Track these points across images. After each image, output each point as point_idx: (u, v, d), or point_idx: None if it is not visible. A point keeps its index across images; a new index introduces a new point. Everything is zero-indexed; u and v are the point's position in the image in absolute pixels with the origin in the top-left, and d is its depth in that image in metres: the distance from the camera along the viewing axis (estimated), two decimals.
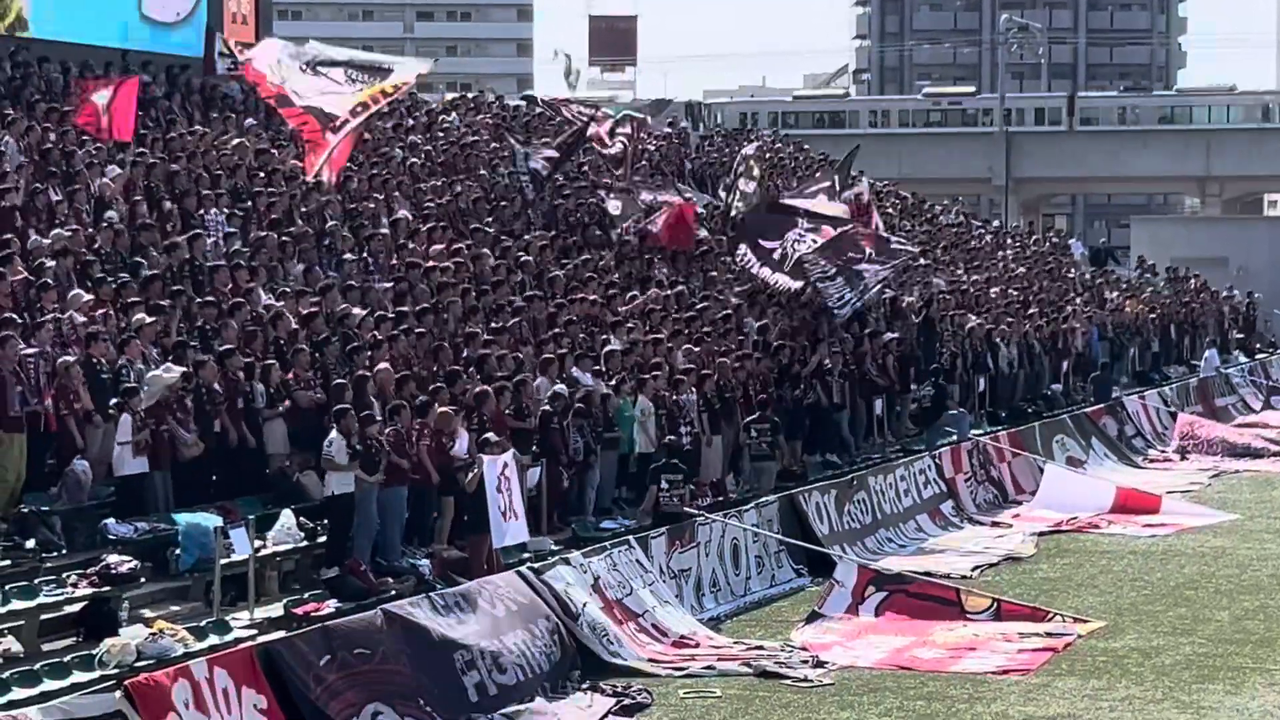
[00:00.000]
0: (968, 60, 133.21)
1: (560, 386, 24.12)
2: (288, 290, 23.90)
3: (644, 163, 39.17)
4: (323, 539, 20.18)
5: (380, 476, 20.10)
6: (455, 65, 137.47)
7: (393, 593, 18.96)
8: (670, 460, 24.08)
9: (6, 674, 15.36)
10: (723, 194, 34.64)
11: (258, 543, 18.75)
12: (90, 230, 23.62)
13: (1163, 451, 38.28)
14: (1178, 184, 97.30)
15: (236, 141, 29.69)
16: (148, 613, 17.92)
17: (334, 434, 19.86)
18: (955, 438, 31.70)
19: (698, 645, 20.23)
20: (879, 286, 31.99)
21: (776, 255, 31.59)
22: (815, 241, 31.52)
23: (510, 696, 17.33)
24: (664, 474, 23.65)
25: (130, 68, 31.99)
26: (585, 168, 37.04)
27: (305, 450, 21.02)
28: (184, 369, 20.29)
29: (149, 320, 21.10)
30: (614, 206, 33.81)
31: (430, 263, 27.17)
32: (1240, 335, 53.86)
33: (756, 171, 35.01)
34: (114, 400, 19.58)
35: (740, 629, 21.39)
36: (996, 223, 60.77)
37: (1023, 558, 26.25)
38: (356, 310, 23.94)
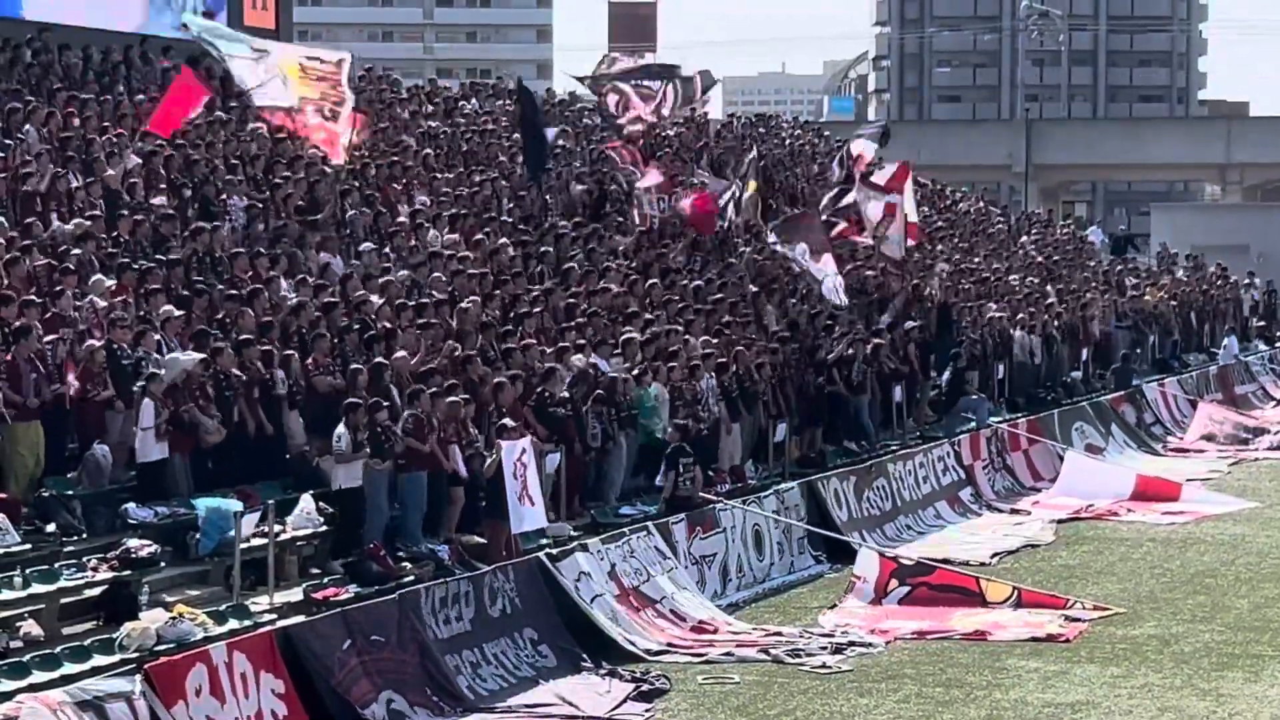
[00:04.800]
0: (988, 46, 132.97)
1: (579, 359, 24.13)
2: (307, 280, 23.90)
3: (666, 150, 39.10)
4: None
5: (390, 464, 20.14)
6: (474, 51, 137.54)
7: (411, 578, 19.00)
8: (681, 444, 24.09)
9: (27, 657, 15.44)
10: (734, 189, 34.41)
11: (277, 527, 18.81)
12: (107, 218, 23.64)
13: (1181, 438, 38.14)
14: (1198, 171, 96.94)
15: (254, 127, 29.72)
16: (167, 597, 17.97)
17: (341, 427, 19.91)
18: (974, 424, 31.67)
19: (716, 631, 20.27)
20: (813, 260, 31.50)
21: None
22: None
23: (492, 701, 17.30)
24: (679, 458, 23.68)
25: (148, 55, 32.01)
26: (602, 148, 36.94)
27: (324, 435, 21.06)
28: (203, 355, 20.32)
29: (176, 314, 21.14)
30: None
31: (448, 253, 27.15)
32: (1261, 323, 53.74)
33: (753, 184, 34.61)
34: (137, 385, 19.61)
35: (759, 615, 21.41)
36: (1015, 214, 60.51)
37: (1042, 545, 26.24)
38: (374, 298, 23.93)
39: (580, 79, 37.36)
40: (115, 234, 23.33)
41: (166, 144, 26.57)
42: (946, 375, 33.31)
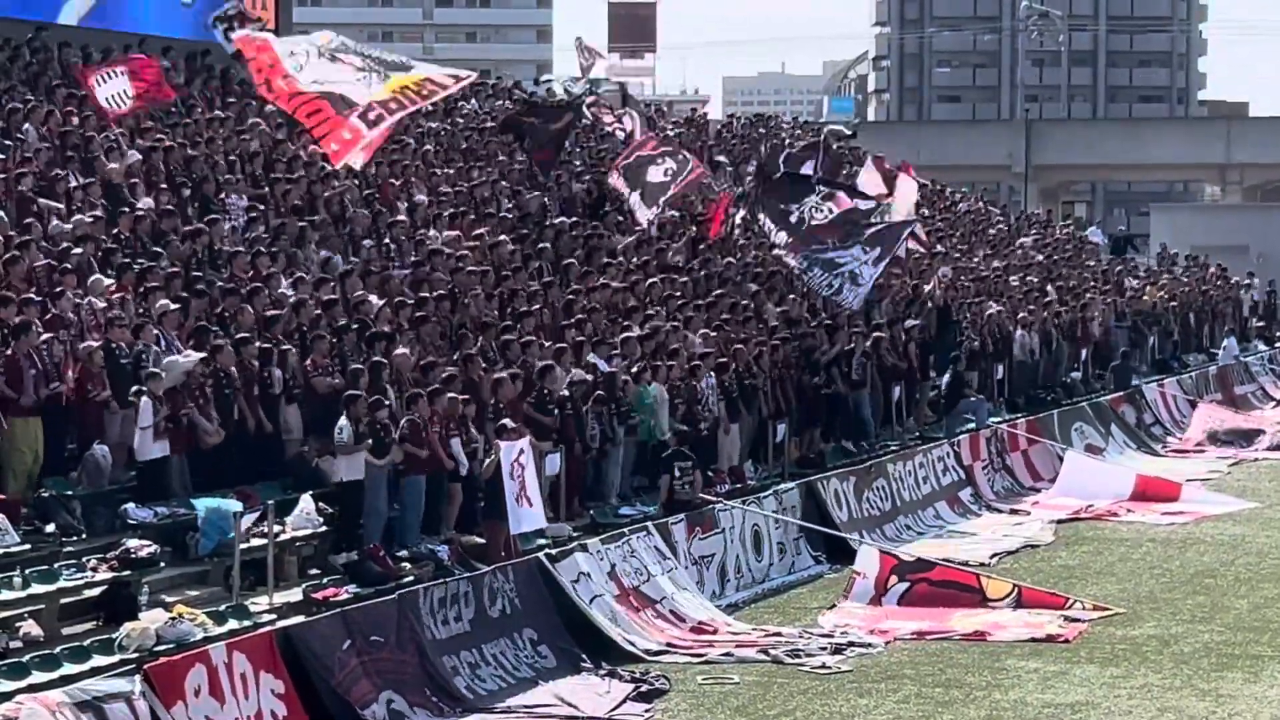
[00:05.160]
0: (988, 47, 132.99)
1: (580, 372, 24.13)
2: (306, 277, 23.91)
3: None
4: None
5: (389, 460, 20.16)
6: (474, 51, 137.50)
7: (411, 578, 19.01)
8: (680, 449, 24.08)
9: (27, 657, 15.44)
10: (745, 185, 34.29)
11: (277, 527, 18.81)
12: (107, 217, 23.64)
13: (1181, 439, 38.12)
14: (1198, 171, 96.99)
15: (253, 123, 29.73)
16: (167, 597, 17.97)
17: (343, 419, 19.95)
18: (974, 425, 31.67)
19: (716, 632, 20.27)
20: (874, 267, 30.86)
21: (793, 219, 31.14)
22: (831, 212, 31.04)
23: (491, 702, 17.30)
24: (675, 462, 23.66)
25: (148, 55, 31.96)
26: (603, 152, 36.98)
27: (323, 435, 21.08)
28: (203, 355, 20.32)
29: (174, 308, 21.15)
30: (615, 183, 33.47)
31: (447, 250, 27.16)
32: (1260, 323, 53.74)
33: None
34: (135, 387, 19.61)
35: (759, 615, 21.41)
36: (1014, 214, 60.52)
37: (1041, 545, 26.24)
38: (374, 298, 23.93)
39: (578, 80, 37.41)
40: (115, 231, 23.33)
41: (167, 136, 26.64)
42: (946, 377, 33.30)
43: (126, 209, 23.93)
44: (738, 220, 33.93)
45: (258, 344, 21.27)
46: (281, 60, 23.15)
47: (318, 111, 23.41)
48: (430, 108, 30.40)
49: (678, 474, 23.53)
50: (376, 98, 23.26)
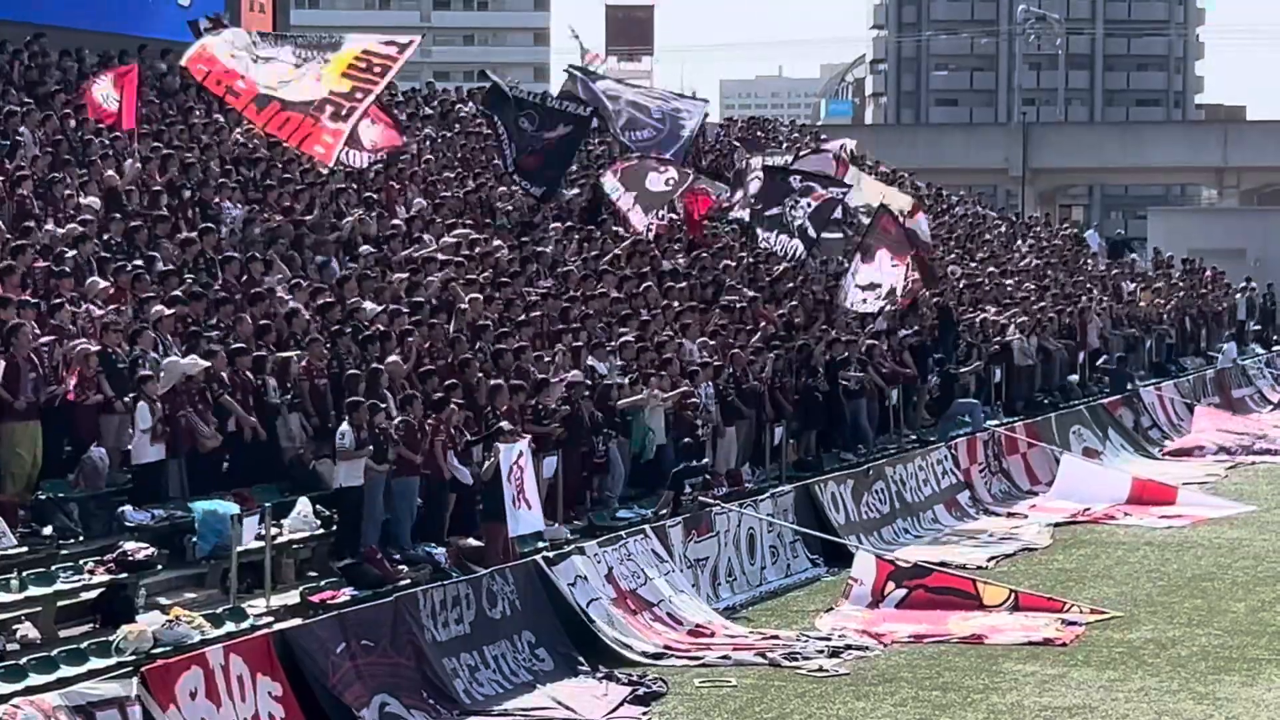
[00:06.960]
0: (985, 50, 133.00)
1: (577, 374, 24.12)
2: (302, 283, 23.87)
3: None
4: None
5: (389, 465, 20.15)
6: (472, 54, 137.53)
7: (408, 581, 19.00)
8: (689, 464, 24.03)
9: (24, 660, 15.43)
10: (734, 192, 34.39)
11: (274, 530, 18.80)
12: (102, 221, 23.62)
13: (1178, 442, 38.09)
14: (1195, 174, 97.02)
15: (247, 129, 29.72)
16: (164, 600, 17.96)
17: (345, 426, 19.93)
18: (970, 428, 31.67)
19: (713, 635, 20.27)
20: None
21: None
22: (809, 206, 31.47)
23: (488, 705, 17.32)
24: (686, 478, 23.62)
25: (146, 60, 31.99)
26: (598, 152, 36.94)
27: (320, 439, 21.06)
28: (208, 364, 20.28)
29: (168, 312, 21.12)
30: (610, 184, 33.42)
31: (443, 255, 27.13)
32: (1258, 327, 53.75)
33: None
34: (131, 393, 19.59)
35: (756, 619, 21.42)
36: (1011, 218, 60.54)
37: (1038, 548, 26.24)
38: (369, 305, 23.89)
39: (578, 71, 37.36)
40: (107, 238, 23.28)
41: (163, 143, 26.66)
42: (937, 378, 33.27)
43: (119, 215, 23.88)
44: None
45: (253, 354, 21.21)
46: (231, 67, 23.33)
47: (288, 122, 23.35)
48: (390, 93, 30.68)
49: (687, 490, 23.52)
50: (335, 89, 23.19)
